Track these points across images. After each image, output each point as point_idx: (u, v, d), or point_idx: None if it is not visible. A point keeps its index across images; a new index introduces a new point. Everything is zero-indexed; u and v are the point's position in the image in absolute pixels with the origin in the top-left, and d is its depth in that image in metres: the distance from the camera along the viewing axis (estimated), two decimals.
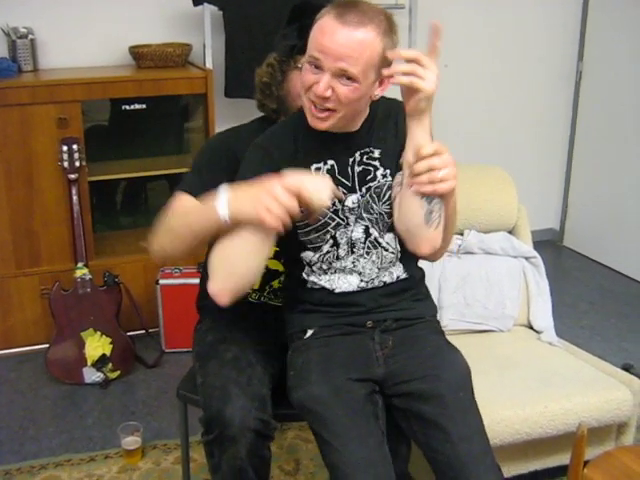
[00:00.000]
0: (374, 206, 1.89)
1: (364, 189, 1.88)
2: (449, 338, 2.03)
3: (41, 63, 3.53)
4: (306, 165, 1.85)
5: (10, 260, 3.36)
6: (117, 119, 3.69)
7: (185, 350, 3.39)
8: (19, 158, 3.25)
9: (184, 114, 3.90)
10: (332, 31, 1.68)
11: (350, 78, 1.70)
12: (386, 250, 1.92)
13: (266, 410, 1.90)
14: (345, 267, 1.91)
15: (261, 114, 2.16)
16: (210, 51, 3.65)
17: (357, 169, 1.88)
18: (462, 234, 2.77)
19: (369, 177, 1.88)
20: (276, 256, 2.13)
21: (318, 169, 1.86)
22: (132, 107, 3.49)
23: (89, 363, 3.19)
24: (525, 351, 2.58)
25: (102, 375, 3.20)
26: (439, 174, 1.63)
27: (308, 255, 1.92)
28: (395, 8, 3.94)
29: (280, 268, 2.16)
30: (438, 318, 2.10)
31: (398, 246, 1.93)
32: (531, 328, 2.75)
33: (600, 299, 4.11)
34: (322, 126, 1.78)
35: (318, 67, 1.71)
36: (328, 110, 1.75)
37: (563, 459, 2.37)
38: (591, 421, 2.26)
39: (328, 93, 1.71)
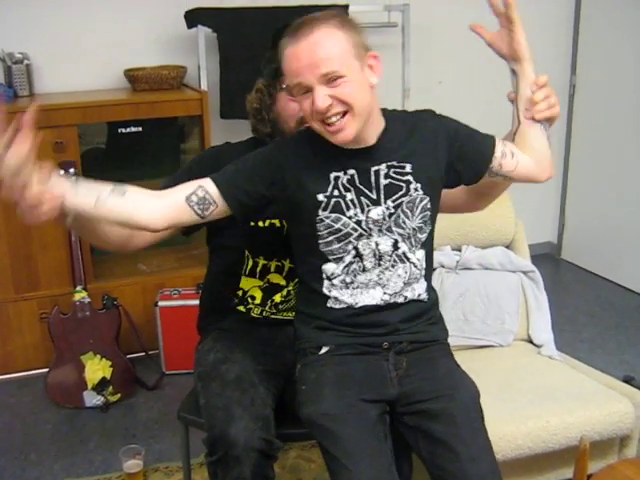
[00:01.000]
0: (406, 221, 1.84)
1: (392, 203, 1.83)
2: None
3: (37, 88, 3.55)
4: (324, 172, 1.82)
5: (9, 285, 3.36)
6: (113, 142, 3.70)
7: (185, 372, 3.38)
8: None
9: (180, 136, 3.91)
10: (294, 52, 1.70)
11: (336, 78, 1.69)
12: (415, 266, 1.88)
13: (270, 430, 1.90)
14: (370, 280, 1.86)
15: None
16: (205, 73, 3.67)
17: (384, 182, 1.83)
18: (460, 250, 2.78)
19: (400, 192, 1.83)
20: (277, 270, 2.13)
21: (337, 178, 1.81)
22: (128, 130, 3.50)
23: (89, 387, 3.18)
24: (525, 366, 2.57)
25: (102, 398, 3.19)
26: (552, 100, 1.95)
27: (330, 267, 1.86)
28: (387, 26, 3.97)
29: (282, 282, 2.16)
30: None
31: (424, 263, 1.91)
32: (531, 342, 2.75)
33: (599, 312, 4.11)
34: (346, 136, 1.74)
35: (305, 90, 1.70)
36: (341, 117, 1.72)
37: (566, 473, 2.36)
38: (593, 435, 2.25)
39: (328, 102, 1.69)
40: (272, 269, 2.14)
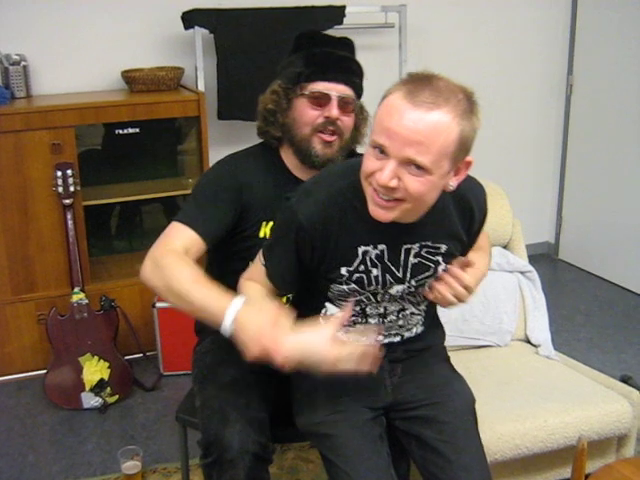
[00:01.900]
0: (420, 292, 1.81)
1: (415, 282, 1.77)
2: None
3: (34, 89, 3.54)
4: (352, 244, 1.69)
5: (6, 286, 3.36)
6: (111, 143, 3.70)
7: (183, 373, 3.38)
8: (13, 184, 3.26)
9: (177, 137, 3.91)
10: (400, 113, 1.47)
11: (420, 168, 1.49)
12: (415, 315, 1.88)
13: (264, 433, 1.90)
14: (367, 329, 1.82)
15: (259, 140, 2.14)
16: (202, 74, 3.67)
17: (412, 260, 1.74)
18: None
19: (427, 273, 1.77)
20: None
21: (366, 252, 1.70)
22: (125, 131, 3.50)
23: (87, 388, 3.18)
24: (523, 365, 2.58)
25: (100, 400, 3.19)
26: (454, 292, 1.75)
27: (332, 309, 1.82)
28: (384, 27, 3.98)
29: None
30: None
31: (424, 307, 1.89)
32: (528, 342, 2.75)
33: (597, 311, 4.12)
34: (385, 217, 1.58)
35: (383, 152, 1.51)
36: (395, 200, 1.55)
37: (564, 473, 2.37)
38: (591, 434, 2.26)
39: (393, 183, 1.51)
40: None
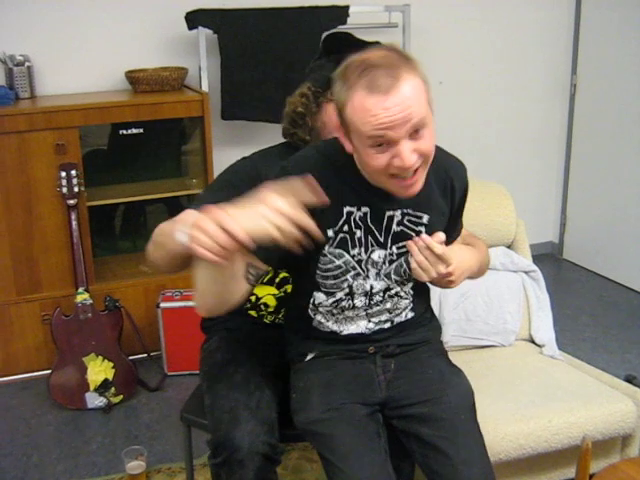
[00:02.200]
0: (407, 271, 1.82)
1: (396, 249, 1.80)
2: (451, 354, 2.04)
3: (38, 90, 3.55)
4: (337, 205, 1.73)
5: (11, 287, 3.37)
6: (115, 144, 3.71)
7: (187, 373, 3.39)
8: (18, 185, 3.26)
9: (181, 137, 3.92)
10: (383, 106, 1.55)
11: (420, 129, 1.59)
12: (403, 298, 1.88)
13: (274, 434, 1.91)
14: (357, 315, 1.86)
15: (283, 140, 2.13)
16: (206, 74, 3.68)
17: (395, 228, 1.78)
18: None
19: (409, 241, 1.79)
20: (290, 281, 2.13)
21: (350, 213, 1.75)
22: (129, 131, 3.51)
23: (91, 388, 3.18)
24: (527, 365, 2.57)
25: (105, 400, 3.20)
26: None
27: (320, 297, 1.85)
28: (388, 27, 3.97)
29: None
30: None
31: (412, 291, 1.89)
32: (533, 342, 2.75)
33: (601, 311, 4.11)
34: (416, 190, 1.66)
35: (383, 143, 1.58)
36: (415, 171, 1.62)
37: (568, 473, 2.36)
38: (595, 434, 2.26)
39: (415, 158, 1.59)
40: (291, 281, 2.14)
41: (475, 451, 1.80)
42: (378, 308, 1.86)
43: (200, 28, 3.62)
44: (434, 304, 2.64)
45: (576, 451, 1.93)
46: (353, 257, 1.78)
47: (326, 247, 1.76)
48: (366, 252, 1.78)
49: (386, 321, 1.89)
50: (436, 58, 4.31)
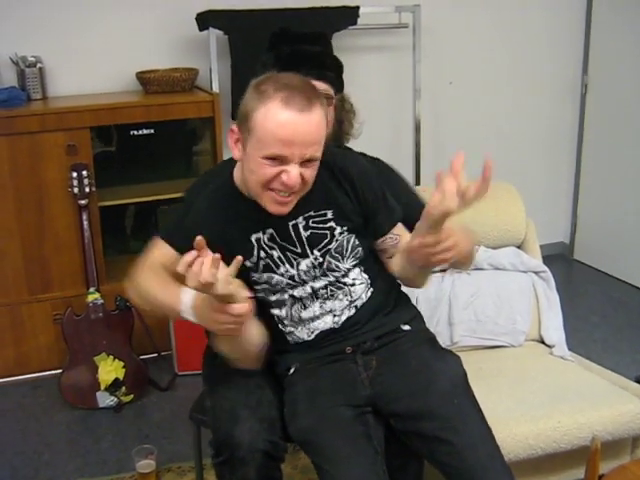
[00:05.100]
0: (339, 265, 1.88)
1: (318, 252, 1.86)
2: (461, 355, 2.02)
3: (50, 91, 3.57)
4: (244, 235, 1.83)
5: (22, 286, 3.39)
6: (126, 144, 3.72)
7: (198, 372, 3.35)
8: (30, 185, 3.28)
9: (192, 138, 3.93)
10: (293, 122, 1.65)
11: (314, 160, 1.71)
12: (353, 285, 1.91)
13: (275, 431, 1.90)
14: (314, 313, 1.90)
15: None
16: (216, 75, 3.69)
17: (305, 233, 1.85)
18: None
19: (325, 240, 1.86)
20: None
21: (258, 239, 1.83)
22: (140, 132, 3.52)
23: (102, 387, 3.19)
24: (537, 366, 2.57)
25: (115, 399, 3.21)
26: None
27: (275, 311, 1.92)
28: (398, 27, 3.97)
29: None
30: (448, 333, 2.08)
31: (364, 274, 1.92)
32: (543, 343, 2.74)
33: (612, 312, 4.10)
34: (286, 210, 1.76)
35: (276, 158, 1.67)
36: (293, 193, 1.73)
37: (577, 474, 2.35)
38: (605, 435, 2.25)
39: (299, 181, 1.70)
40: None
41: (476, 432, 1.80)
42: (331, 302, 1.90)
43: (211, 29, 3.63)
44: (444, 304, 2.65)
45: (585, 452, 1.93)
46: (282, 275, 1.85)
47: (251, 274, 1.84)
48: (292, 267, 1.85)
49: (349, 307, 1.91)
50: (446, 58, 4.31)
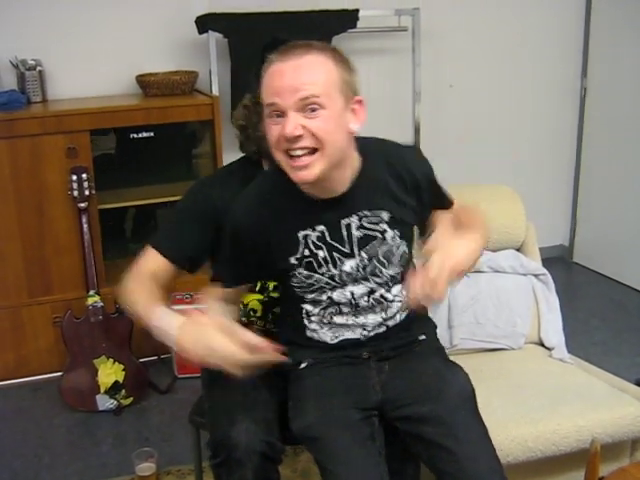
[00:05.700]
0: (383, 270, 1.83)
1: (365, 254, 1.80)
2: (460, 358, 2.03)
3: (50, 94, 3.57)
4: (291, 231, 1.76)
5: (22, 289, 3.39)
6: (125, 147, 3.72)
7: (197, 375, 3.35)
8: (30, 188, 3.29)
9: (192, 141, 3.93)
10: (279, 69, 1.58)
11: (315, 106, 1.57)
12: (392, 302, 1.88)
13: (272, 433, 1.91)
14: (347, 321, 1.87)
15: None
16: (216, 78, 3.69)
17: (357, 234, 1.78)
18: None
19: (375, 242, 1.80)
20: (275, 288, 2.13)
21: (306, 236, 1.77)
22: (140, 135, 3.52)
23: (102, 390, 3.19)
24: (537, 368, 2.57)
25: (115, 402, 3.21)
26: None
27: (308, 307, 1.88)
28: (398, 30, 3.98)
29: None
30: (447, 336, 2.09)
31: (397, 291, 1.89)
32: (542, 345, 2.74)
33: (612, 314, 4.10)
34: (309, 175, 1.62)
35: (280, 114, 1.59)
36: (309, 153, 1.60)
37: (577, 476, 2.35)
38: (605, 437, 2.25)
39: (298, 131, 1.57)
40: (270, 287, 2.15)
41: (479, 446, 1.80)
42: (367, 315, 1.87)
43: (210, 32, 3.63)
44: (443, 307, 2.65)
45: (585, 454, 1.93)
46: (323, 274, 1.80)
47: (293, 271, 1.80)
48: (335, 267, 1.79)
49: (381, 325, 1.89)
50: (446, 61, 4.31)
